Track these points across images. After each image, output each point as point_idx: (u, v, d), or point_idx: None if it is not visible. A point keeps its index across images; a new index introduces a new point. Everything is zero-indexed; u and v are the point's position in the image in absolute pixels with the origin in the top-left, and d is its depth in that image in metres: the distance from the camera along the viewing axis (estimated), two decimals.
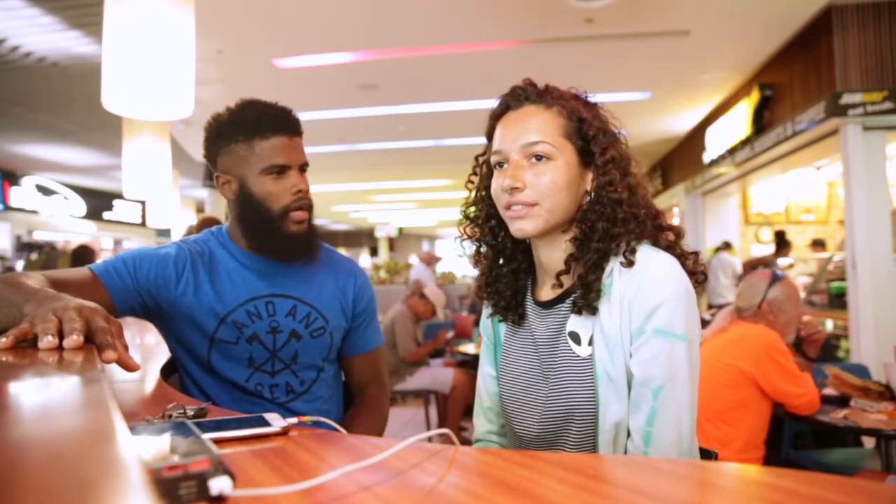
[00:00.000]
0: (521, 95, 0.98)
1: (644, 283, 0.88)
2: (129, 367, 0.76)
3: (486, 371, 1.11)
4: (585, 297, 0.91)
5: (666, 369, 0.86)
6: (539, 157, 0.92)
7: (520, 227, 0.93)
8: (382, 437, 1.37)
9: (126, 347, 0.79)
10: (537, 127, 0.93)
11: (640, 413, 0.87)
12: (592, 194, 0.94)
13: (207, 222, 3.07)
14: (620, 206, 0.92)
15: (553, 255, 0.97)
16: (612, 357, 0.88)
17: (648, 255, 0.90)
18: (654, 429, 0.85)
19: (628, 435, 0.89)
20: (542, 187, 0.91)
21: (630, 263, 0.90)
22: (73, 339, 0.72)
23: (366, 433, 1.23)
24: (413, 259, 12.55)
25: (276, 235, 1.31)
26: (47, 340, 0.72)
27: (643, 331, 0.87)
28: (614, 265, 0.91)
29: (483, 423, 1.11)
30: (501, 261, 1.06)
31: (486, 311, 1.10)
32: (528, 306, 1.03)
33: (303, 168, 1.34)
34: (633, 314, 0.87)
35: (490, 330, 1.10)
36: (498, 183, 0.95)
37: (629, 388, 0.88)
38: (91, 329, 0.76)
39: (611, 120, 0.99)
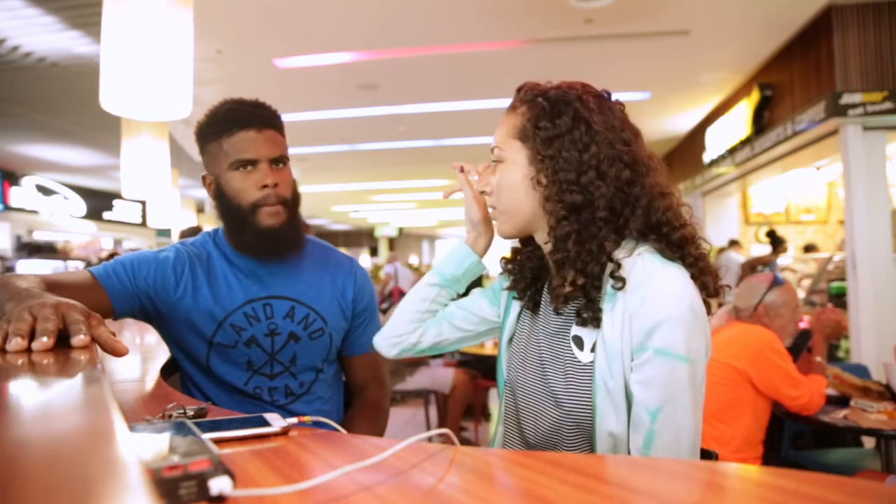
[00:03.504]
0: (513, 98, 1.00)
1: (646, 297, 0.83)
2: (116, 351, 0.76)
3: (475, 298, 1.14)
4: (589, 308, 0.89)
5: (665, 392, 0.82)
6: (497, 161, 0.97)
7: (497, 229, 1.01)
8: (383, 437, 1.37)
9: (113, 333, 0.78)
10: (498, 131, 0.97)
11: (639, 434, 0.84)
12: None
13: (191, 233, 3.07)
14: (551, 201, 0.89)
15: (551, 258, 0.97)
16: (611, 368, 0.85)
17: (655, 267, 0.85)
18: (650, 451, 0.83)
19: (628, 452, 0.87)
20: (496, 189, 0.97)
21: (620, 280, 0.85)
22: (42, 342, 0.71)
23: (366, 433, 1.23)
24: (413, 259, 12.45)
25: (249, 231, 1.27)
26: (16, 342, 0.70)
27: (644, 348, 0.83)
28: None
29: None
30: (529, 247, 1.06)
31: (505, 282, 1.09)
32: (544, 296, 1.02)
33: (277, 161, 1.28)
34: (634, 328, 0.83)
35: (504, 299, 1.11)
36: None
37: (628, 401, 0.86)
38: (66, 323, 0.75)
39: (619, 118, 0.92)
